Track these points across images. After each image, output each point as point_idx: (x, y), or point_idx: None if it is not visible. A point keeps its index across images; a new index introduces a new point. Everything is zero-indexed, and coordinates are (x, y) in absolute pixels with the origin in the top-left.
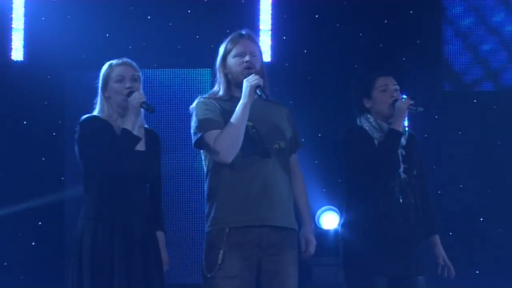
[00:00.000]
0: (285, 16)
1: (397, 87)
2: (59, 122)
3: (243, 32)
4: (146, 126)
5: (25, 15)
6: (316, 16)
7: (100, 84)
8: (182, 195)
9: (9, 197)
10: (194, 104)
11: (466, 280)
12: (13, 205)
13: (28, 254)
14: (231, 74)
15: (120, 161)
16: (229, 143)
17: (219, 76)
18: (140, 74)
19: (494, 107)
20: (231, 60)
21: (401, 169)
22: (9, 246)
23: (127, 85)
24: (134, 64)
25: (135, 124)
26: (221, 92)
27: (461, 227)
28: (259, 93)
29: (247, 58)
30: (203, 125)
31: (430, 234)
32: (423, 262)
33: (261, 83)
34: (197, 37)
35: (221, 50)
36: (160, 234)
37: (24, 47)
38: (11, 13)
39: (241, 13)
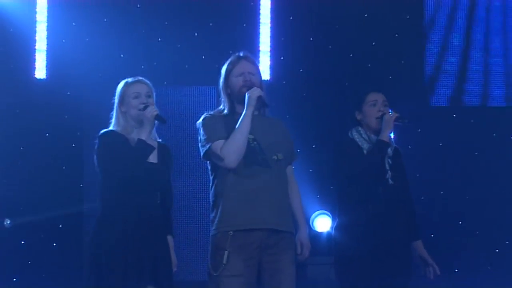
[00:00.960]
0: (282, 39)
1: (386, 102)
2: (78, 134)
3: (242, 54)
4: (159, 140)
5: (48, 38)
6: (311, 39)
7: (116, 100)
8: (189, 202)
9: (32, 203)
10: (200, 120)
11: (447, 279)
12: (36, 211)
13: (49, 255)
14: (233, 92)
15: (133, 171)
16: (234, 149)
17: (223, 95)
18: (153, 91)
19: (472, 121)
20: (232, 80)
21: (388, 176)
22: (33, 247)
23: (143, 100)
24: (148, 82)
25: (149, 135)
26: (225, 111)
27: (441, 230)
28: (264, 101)
29: (245, 76)
30: (210, 137)
31: (414, 239)
32: (410, 264)
33: (262, 94)
34: (203, 57)
35: (223, 71)
36: (169, 238)
37: (46, 66)
38: (35, 36)
39: (243, 36)
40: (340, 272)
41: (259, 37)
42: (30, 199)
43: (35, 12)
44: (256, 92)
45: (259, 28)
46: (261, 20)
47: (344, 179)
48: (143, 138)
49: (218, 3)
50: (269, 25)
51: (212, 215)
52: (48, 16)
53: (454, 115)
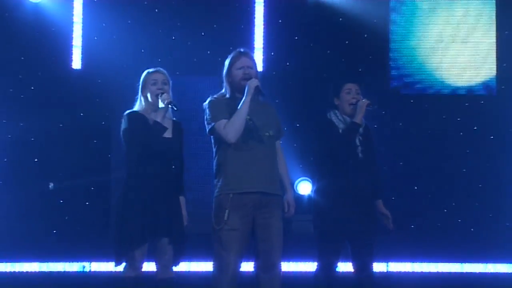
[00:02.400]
0: (273, 38)
1: (359, 91)
2: (106, 114)
3: (242, 50)
4: (174, 119)
5: (82, 35)
6: (296, 38)
7: (140, 86)
8: (197, 171)
9: (70, 170)
10: (206, 102)
11: (404, 233)
12: (73, 176)
13: (83, 212)
14: (234, 81)
15: (151, 145)
16: (235, 128)
17: (225, 83)
18: (169, 79)
19: (426, 106)
20: (234, 71)
21: (358, 150)
22: (70, 205)
23: (159, 86)
24: (165, 72)
25: (164, 116)
26: (227, 95)
27: (400, 193)
28: (260, 90)
29: (244, 70)
30: (215, 116)
31: (377, 199)
32: (375, 218)
33: (259, 84)
34: (208, 52)
35: (226, 63)
36: (181, 199)
37: (81, 59)
38: (72, 34)
39: (241, 35)
40: (317, 226)
41: (253, 36)
42: (68, 167)
43: (72, 15)
44: (254, 82)
45: (254, 29)
46: (255, 23)
47: (322, 152)
48: (158, 120)
49: (221, 9)
50: (262, 26)
51: (216, 180)
52: (83, 18)
53: (412, 101)
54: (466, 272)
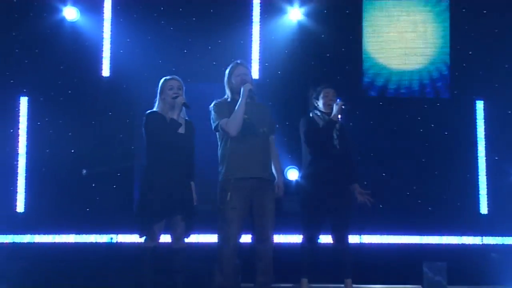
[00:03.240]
0: (266, 51)
1: (335, 94)
2: (130, 113)
3: (238, 61)
4: (186, 118)
5: (110, 49)
6: (286, 51)
7: (158, 90)
8: (205, 160)
9: (100, 159)
10: (212, 105)
11: (374, 211)
12: (102, 164)
13: (111, 194)
14: (233, 87)
15: (167, 139)
16: (234, 124)
17: (227, 88)
18: (183, 85)
19: (392, 107)
20: (232, 78)
21: (336, 142)
22: (100, 188)
23: (175, 91)
24: (180, 79)
25: (179, 115)
26: (228, 99)
27: (372, 179)
28: (254, 93)
29: (241, 76)
30: (218, 116)
31: (353, 183)
32: (351, 199)
33: (252, 87)
34: (214, 63)
35: (227, 73)
36: (192, 183)
37: (110, 68)
38: (102, 47)
39: (241, 49)
40: (303, 205)
41: (251, 50)
42: (98, 156)
43: (102, 32)
44: (248, 86)
45: (252, 44)
46: (253, 39)
47: (306, 144)
48: (174, 117)
49: (224, 28)
50: (258, 42)
51: (220, 168)
52: (111, 34)
53: (380, 103)
54: (425, 243)
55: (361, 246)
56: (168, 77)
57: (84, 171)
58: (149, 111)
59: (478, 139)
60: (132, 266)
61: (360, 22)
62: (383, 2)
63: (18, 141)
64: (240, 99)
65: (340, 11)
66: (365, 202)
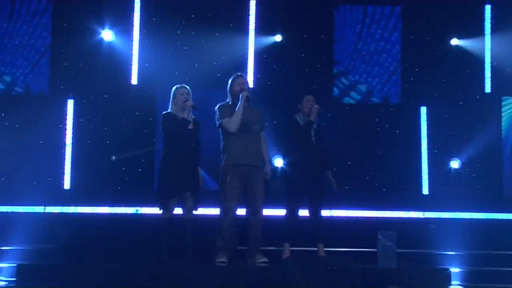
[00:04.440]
0: (259, 66)
1: (314, 100)
2: (153, 113)
3: (239, 73)
4: (193, 117)
5: (138, 63)
6: (274, 66)
7: (172, 96)
8: (209, 150)
9: (128, 148)
10: (216, 107)
11: (343, 193)
12: (129, 152)
13: (137, 174)
14: (234, 93)
15: (179, 133)
16: (234, 122)
17: (228, 95)
18: (190, 92)
19: (357, 110)
20: (233, 87)
21: (313, 138)
22: (128, 171)
23: (185, 96)
24: (188, 87)
25: (188, 115)
26: (229, 102)
27: (341, 168)
28: (250, 98)
29: (240, 86)
30: (222, 116)
31: (327, 170)
32: (325, 184)
33: (249, 95)
34: (219, 75)
35: (229, 82)
36: (198, 168)
37: (137, 77)
38: (131, 61)
39: (240, 64)
40: (286, 186)
41: (247, 65)
42: (128, 146)
43: (132, 49)
44: (245, 93)
45: (247, 60)
46: (249, 56)
47: (290, 138)
48: (185, 117)
49: (227, 47)
50: (253, 58)
51: (221, 156)
52: (139, 51)
53: (347, 108)
54: (380, 217)
55: (331, 219)
56: (179, 86)
57: (113, 157)
58: (165, 112)
59: (421, 137)
60: (153, 232)
61: (332, 44)
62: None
63: (65, 134)
64: (239, 103)
65: (316, 37)
66: (333, 186)
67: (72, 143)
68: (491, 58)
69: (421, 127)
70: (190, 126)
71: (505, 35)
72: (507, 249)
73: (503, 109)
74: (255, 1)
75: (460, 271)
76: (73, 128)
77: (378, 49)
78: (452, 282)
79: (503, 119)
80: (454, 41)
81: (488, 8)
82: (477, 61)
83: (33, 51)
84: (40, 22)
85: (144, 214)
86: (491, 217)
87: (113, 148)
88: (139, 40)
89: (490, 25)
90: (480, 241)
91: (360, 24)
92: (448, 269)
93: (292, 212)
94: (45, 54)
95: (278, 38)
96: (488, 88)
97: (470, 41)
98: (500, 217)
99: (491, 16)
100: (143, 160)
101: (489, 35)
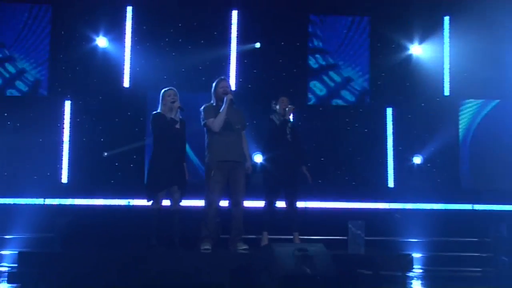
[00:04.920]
0: (240, 70)
1: (288, 101)
2: (143, 113)
3: (222, 77)
4: (180, 117)
5: (130, 67)
6: (254, 71)
7: (160, 98)
8: (195, 146)
9: (121, 144)
10: (202, 108)
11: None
12: (121, 148)
13: (128, 169)
14: (217, 96)
15: (167, 131)
16: (218, 122)
17: (213, 96)
18: (177, 94)
19: (327, 111)
20: (217, 90)
21: (288, 136)
22: (121, 165)
23: (172, 98)
24: (175, 90)
25: (175, 115)
26: (213, 104)
27: (315, 162)
28: (233, 100)
29: (224, 89)
30: (207, 116)
31: (302, 165)
32: (298, 178)
33: (232, 97)
34: (203, 78)
35: (213, 85)
36: (184, 165)
37: (129, 81)
38: (124, 66)
39: (223, 70)
40: (265, 180)
41: (229, 69)
42: (120, 143)
43: (124, 55)
44: (229, 96)
45: (230, 65)
46: (231, 62)
47: (267, 136)
48: (172, 117)
49: (212, 54)
50: (235, 64)
51: (206, 153)
52: (130, 57)
53: (320, 109)
54: (350, 207)
55: (305, 209)
56: (167, 88)
57: (105, 153)
58: (154, 112)
59: (387, 135)
60: (143, 221)
61: (306, 52)
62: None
63: (63, 133)
64: (223, 105)
65: (292, 45)
66: (308, 179)
67: (69, 141)
68: (450, 64)
69: (387, 126)
70: (177, 126)
71: (462, 43)
72: (463, 236)
73: (464, 110)
74: (237, 12)
75: (421, 256)
76: (70, 127)
77: (349, 55)
78: (414, 266)
79: (463, 119)
80: (417, 49)
81: (446, 19)
82: (437, 67)
83: (34, 57)
84: (40, 31)
85: (135, 205)
86: (449, 208)
87: (107, 145)
88: (131, 47)
89: (448, 34)
90: (439, 229)
91: (332, 33)
92: (410, 254)
93: (270, 204)
94: (45, 59)
95: (257, 45)
96: (447, 91)
97: (431, 48)
98: (457, 207)
99: (449, 26)
100: (135, 156)
101: (448, 43)
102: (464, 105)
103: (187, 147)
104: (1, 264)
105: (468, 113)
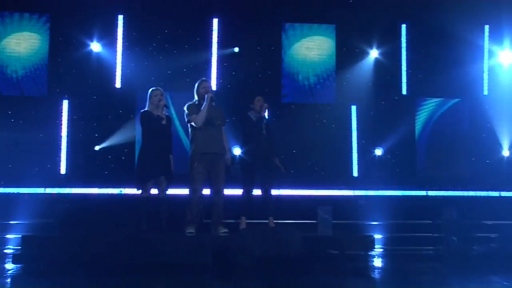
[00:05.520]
0: (221, 72)
1: (263, 100)
2: (133, 111)
3: (204, 78)
4: (166, 114)
5: (121, 69)
6: (233, 73)
7: (148, 96)
8: (179, 141)
9: (113, 139)
10: (185, 106)
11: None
12: (111, 142)
13: (120, 161)
14: (200, 95)
15: (154, 127)
16: (200, 119)
17: (195, 95)
18: (164, 93)
19: (300, 109)
20: (199, 89)
21: (264, 131)
22: (112, 158)
23: (159, 97)
24: (162, 89)
25: (162, 112)
26: (196, 102)
27: (287, 154)
28: (213, 99)
29: (205, 88)
30: (190, 113)
31: (275, 157)
32: (274, 170)
33: (212, 96)
34: (187, 80)
35: (196, 86)
36: (170, 156)
37: (121, 81)
38: (116, 68)
39: (205, 71)
40: (243, 170)
41: (211, 71)
42: (112, 138)
43: (116, 58)
44: (210, 95)
45: (211, 68)
46: (212, 65)
47: (244, 132)
48: (159, 114)
49: (196, 60)
50: (215, 67)
51: (190, 146)
52: (122, 60)
53: (293, 106)
54: (319, 195)
55: (279, 196)
56: (154, 88)
57: (97, 147)
58: (142, 110)
59: (352, 130)
60: (133, 208)
61: (280, 54)
62: (297, 40)
63: (61, 129)
64: (204, 103)
65: (267, 49)
66: (281, 170)
67: (67, 136)
68: (406, 66)
69: (352, 122)
70: (164, 122)
71: (417, 48)
72: (418, 218)
73: (422, 108)
74: (217, 20)
75: (382, 237)
76: (68, 124)
77: (318, 58)
78: (376, 246)
79: (421, 115)
80: (376, 52)
81: (404, 26)
82: (395, 68)
83: (34, 61)
84: (40, 38)
85: (126, 194)
86: (406, 194)
87: (101, 140)
88: (122, 51)
89: (405, 39)
90: (397, 213)
91: (303, 38)
92: (372, 235)
93: (248, 192)
94: (44, 63)
95: (236, 49)
96: (404, 91)
97: (390, 52)
98: (413, 194)
99: (406, 33)
100: (126, 150)
101: (405, 48)
102: (424, 102)
103: (185, 140)
104: (7, 246)
105: (427, 110)
